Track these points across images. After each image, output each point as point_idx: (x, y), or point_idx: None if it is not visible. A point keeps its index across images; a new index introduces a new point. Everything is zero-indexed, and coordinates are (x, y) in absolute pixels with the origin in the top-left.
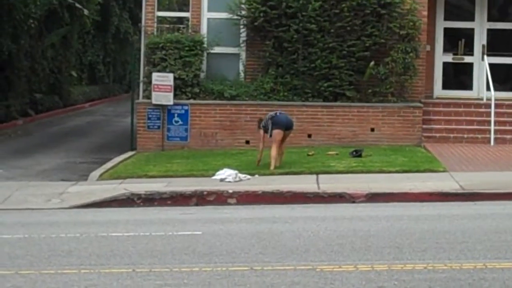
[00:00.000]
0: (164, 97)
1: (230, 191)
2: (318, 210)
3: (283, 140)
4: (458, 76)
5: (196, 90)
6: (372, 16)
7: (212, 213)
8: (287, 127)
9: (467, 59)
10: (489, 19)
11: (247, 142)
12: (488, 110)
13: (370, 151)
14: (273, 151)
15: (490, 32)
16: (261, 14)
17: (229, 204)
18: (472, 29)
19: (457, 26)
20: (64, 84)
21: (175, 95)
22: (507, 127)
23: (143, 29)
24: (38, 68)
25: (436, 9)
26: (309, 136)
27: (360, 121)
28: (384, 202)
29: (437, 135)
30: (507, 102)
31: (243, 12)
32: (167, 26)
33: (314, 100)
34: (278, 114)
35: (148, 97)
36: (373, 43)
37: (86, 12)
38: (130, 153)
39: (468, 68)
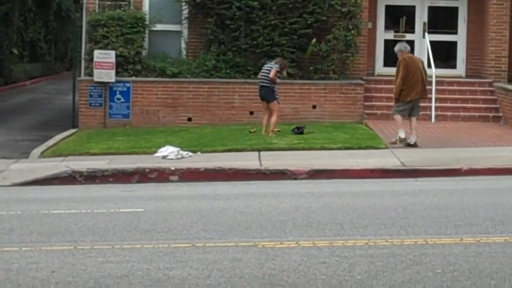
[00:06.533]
0: (106, 74)
1: (172, 168)
2: (260, 186)
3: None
4: None
5: (138, 67)
6: None
7: (154, 190)
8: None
9: (408, 36)
10: None
11: (189, 119)
12: (429, 87)
13: (312, 128)
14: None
15: (431, 9)
16: None
17: (171, 181)
18: (413, 7)
19: (398, 4)
20: (5, 61)
21: (117, 73)
22: (448, 104)
23: (84, 6)
24: None
25: None
26: (251, 113)
27: (302, 98)
28: (326, 178)
29: (379, 112)
30: (448, 80)
31: None
32: (109, 3)
33: (256, 78)
34: None
35: (90, 74)
36: (315, 20)
37: None
38: (72, 131)
39: (409, 46)
